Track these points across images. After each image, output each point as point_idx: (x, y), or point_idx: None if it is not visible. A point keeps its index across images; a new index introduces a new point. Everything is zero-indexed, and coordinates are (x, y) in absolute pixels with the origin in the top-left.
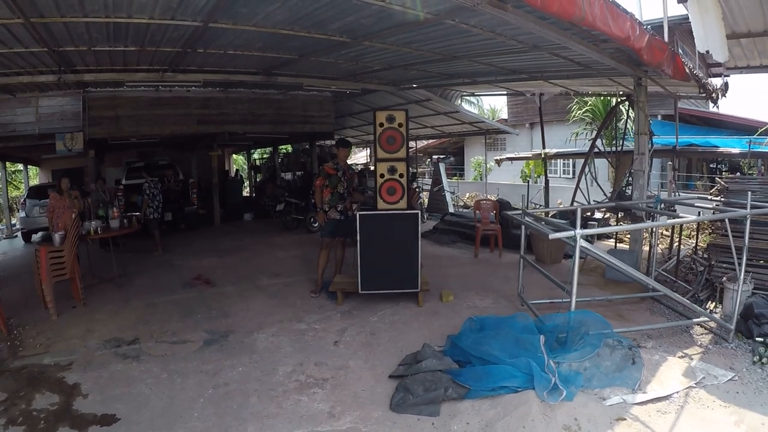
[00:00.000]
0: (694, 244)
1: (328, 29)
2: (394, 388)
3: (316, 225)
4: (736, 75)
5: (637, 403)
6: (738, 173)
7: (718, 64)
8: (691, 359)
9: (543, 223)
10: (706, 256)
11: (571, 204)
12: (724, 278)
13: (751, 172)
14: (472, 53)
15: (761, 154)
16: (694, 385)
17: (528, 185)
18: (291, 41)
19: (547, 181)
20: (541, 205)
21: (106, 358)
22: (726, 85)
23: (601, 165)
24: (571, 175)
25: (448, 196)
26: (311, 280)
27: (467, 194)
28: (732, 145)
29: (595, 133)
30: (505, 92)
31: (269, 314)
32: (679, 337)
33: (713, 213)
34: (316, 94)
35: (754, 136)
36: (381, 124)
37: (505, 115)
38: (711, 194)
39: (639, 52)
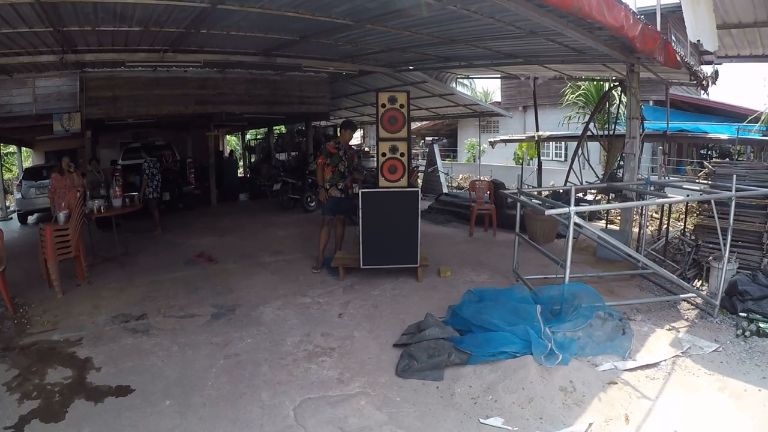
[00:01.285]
0: (682, 226)
1: (332, 12)
2: (399, 356)
3: (313, 204)
4: (728, 63)
5: (627, 369)
6: (727, 159)
7: (709, 52)
8: (678, 331)
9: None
10: (693, 237)
11: (565, 185)
12: (710, 257)
13: (740, 158)
14: (471, 37)
15: (748, 140)
16: (681, 355)
17: (522, 167)
18: (294, 23)
19: (539, 163)
20: (534, 186)
21: (115, 333)
22: (716, 73)
23: (593, 148)
24: (563, 158)
25: (443, 177)
26: (312, 257)
27: (460, 175)
28: (721, 132)
29: (588, 117)
30: (500, 75)
31: (273, 289)
32: (667, 311)
33: (700, 195)
34: (313, 75)
35: (743, 124)
36: (383, 105)
37: (497, 98)
38: (699, 177)
39: (632, 40)
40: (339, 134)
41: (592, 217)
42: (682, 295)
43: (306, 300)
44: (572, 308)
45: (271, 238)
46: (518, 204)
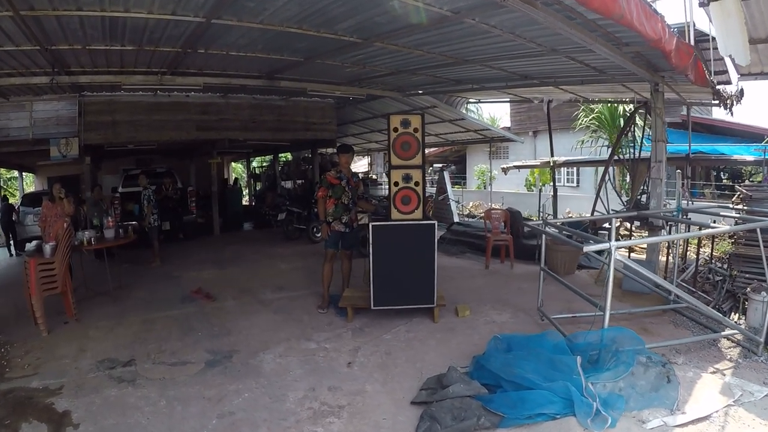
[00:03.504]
0: (708, 253)
1: (338, 28)
2: (419, 417)
3: (319, 235)
4: (752, 81)
5: (678, 426)
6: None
7: (723, 71)
8: (724, 375)
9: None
10: (722, 265)
11: (592, 214)
12: (749, 289)
13: (754, 179)
14: (486, 57)
15: None
16: (732, 403)
17: (539, 194)
18: (298, 41)
19: (555, 190)
20: (550, 215)
21: (99, 382)
22: (741, 92)
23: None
24: (575, 183)
25: (453, 205)
26: (317, 294)
27: (470, 203)
28: (739, 153)
29: (600, 140)
30: (511, 99)
31: (275, 332)
32: (707, 351)
33: (736, 223)
34: (318, 100)
35: (762, 144)
36: (395, 129)
37: (504, 124)
38: (733, 203)
39: (668, 54)
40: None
41: (583, 238)
42: (723, 333)
43: (311, 345)
44: (611, 355)
45: (274, 272)
46: (543, 236)
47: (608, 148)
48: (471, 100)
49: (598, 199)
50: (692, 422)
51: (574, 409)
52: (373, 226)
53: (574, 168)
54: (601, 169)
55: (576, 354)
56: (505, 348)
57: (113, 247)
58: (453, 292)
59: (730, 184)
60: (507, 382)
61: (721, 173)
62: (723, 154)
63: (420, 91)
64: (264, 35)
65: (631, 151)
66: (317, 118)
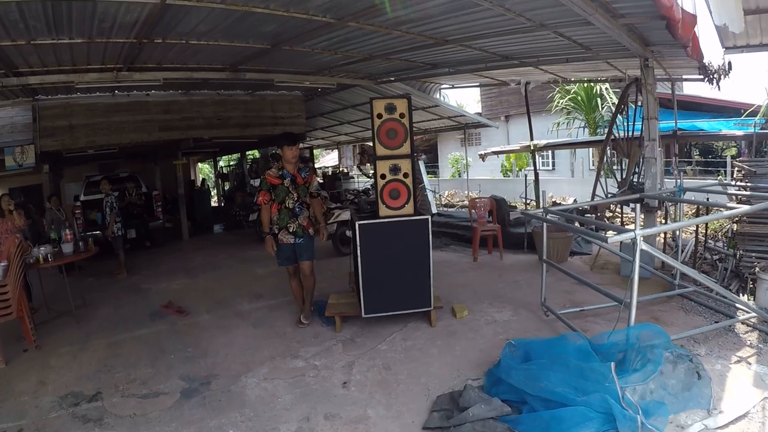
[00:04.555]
0: (702, 232)
1: (309, 6)
2: None
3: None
4: (736, 54)
5: (719, 428)
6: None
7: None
8: (749, 363)
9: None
10: (715, 243)
11: (592, 198)
12: (757, 268)
13: (726, 153)
14: (468, 35)
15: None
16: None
17: (536, 179)
18: (265, 24)
19: (536, 175)
20: (532, 200)
21: (62, 423)
22: (729, 65)
23: (582, 153)
24: (550, 167)
25: (430, 195)
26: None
27: (446, 192)
28: (718, 128)
29: (584, 121)
30: (485, 83)
31: (257, 349)
32: (724, 337)
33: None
34: (286, 93)
35: (740, 118)
36: (379, 115)
37: (473, 110)
38: (735, 179)
39: (676, 24)
40: (282, 153)
41: (598, 227)
42: (741, 317)
43: (298, 363)
44: (637, 354)
45: (249, 278)
46: (544, 225)
47: (584, 129)
48: (444, 85)
49: (598, 183)
50: (732, 422)
51: (617, 425)
52: (359, 225)
53: (549, 151)
54: (579, 152)
55: (601, 356)
56: (522, 355)
57: (76, 261)
58: (445, 289)
59: (703, 159)
60: (534, 398)
61: (692, 149)
62: (702, 129)
63: (392, 78)
64: (226, 18)
65: (617, 130)
66: (285, 112)
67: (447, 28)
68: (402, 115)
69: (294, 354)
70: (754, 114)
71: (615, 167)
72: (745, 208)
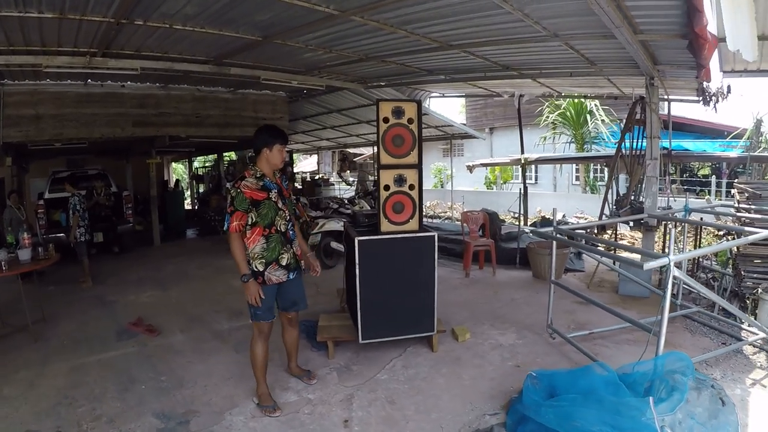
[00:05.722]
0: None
1: None
2: None
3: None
4: (735, 78)
5: None
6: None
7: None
8: (764, 386)
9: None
10: (732, 267)
11: (600, 217)
12: (760, 289)
13: (700, 173)
14: (475, 41)
15: (761, 158)
16: None
17: (524, 193)
18: (261, 11)
19: (525, 188)
20: (515, 213)
21: None
22: (728, 89)
23: (567, 169)
24: (533, 180)
25: None
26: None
27: (428, 203)
28: (703, 148)
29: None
30: (470, 93)
31: (241, 379)
32: (734, 360)
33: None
34: (269, 93)
35: (726, 140)
36: (386, 120)
37: (455, 121)
38: (740, 201)
39: (704, 43)
40: (265, 157)
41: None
42: (751, 339)
43: (291, 397)
44: (661, 382)
45: (226, 291)
46: (554, 243)
47: (570, 144)
48: (434, 93)
49: (606, 201)
50: None
51: None
52: (360, 241)
53: (533, 165)
54: (564, 167)
55: (628, 388)
56: (546, 388)
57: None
58: (440, 308)
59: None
60: None
61: (670, 168)
62: (687, 150)
63: (383, 83)
64: (219, 0)
65: (604, 147)
66: (267, 113)
67: (455, 32)
68: (410, 121)
69: (284, 386)
70: (738, 137)
71: (584, 184)
72: (764, 233)
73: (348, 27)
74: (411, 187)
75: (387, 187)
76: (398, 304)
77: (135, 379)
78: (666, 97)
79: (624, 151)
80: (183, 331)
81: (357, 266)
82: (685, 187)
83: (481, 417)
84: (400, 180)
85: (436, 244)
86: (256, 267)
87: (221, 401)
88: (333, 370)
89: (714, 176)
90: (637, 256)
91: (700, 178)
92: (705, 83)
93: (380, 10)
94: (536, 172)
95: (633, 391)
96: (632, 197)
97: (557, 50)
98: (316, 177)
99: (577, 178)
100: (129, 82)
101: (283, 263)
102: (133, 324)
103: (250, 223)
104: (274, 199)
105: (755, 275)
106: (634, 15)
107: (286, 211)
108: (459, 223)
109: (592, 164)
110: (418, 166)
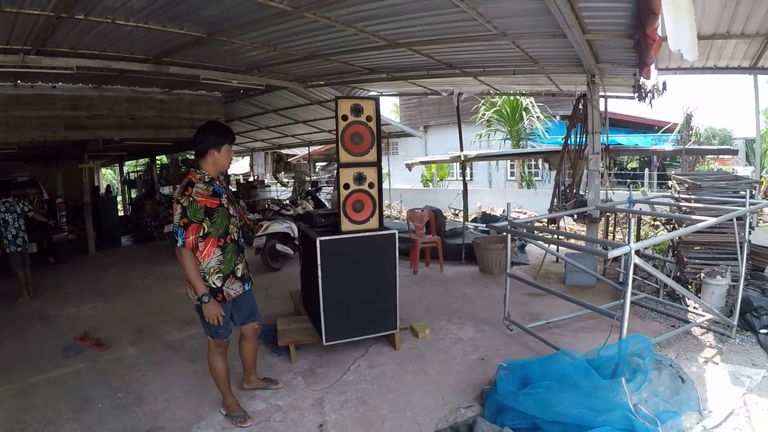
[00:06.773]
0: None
1: None
2: None
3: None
4: (670, 76)
5: (715, 427)
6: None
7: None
8: (716, 363)
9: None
10: (675, 253)
11: (550, 211)
12: (702, 274)
13: (628, 165)
14: (423, 39)
15: (698, 150)
16: (746, 392)
17: (465, 190)
18: (210, 6)
19: (465, 185)
20: (460, 210)
21: None
22: (664, 85)
23: (503, 165)
24: (469, 177)
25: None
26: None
27: None
28: (635, 143)
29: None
30: (406, 91)
31: (203, 390)
32: (685, 340)
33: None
34: (205, 93)
35: (658, 134)
36: (344, 117)
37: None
38: (678, 192)
39: (653, 43)
40: (209, 157)
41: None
42: (701, 319)
43: (259, 405)
44: (626, 365)
45: (172, 299)
46: (508, 237)
47: (505, 141)
48: (372, 92)
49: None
50: (725, 420)
51: None
52: (321, 241)
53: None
54: (501, 164)
55: (596, 370)
56: (519, 377)
57: None
58: None
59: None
60: (550, 423)
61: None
62: (620, 144)
63: (322, 83)
64: None
65: (540, 143)
66: (203, 114)
67: (405, 30)
68: (369, 118)
69: (250, 394)
70: (669, 131)
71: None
72: (711, 220)
73: (298, 24)
74: (371, 185)
75: (347, 186)
76: (361, 303)
77: (89, 397)
78: (604, 93)
79: (570, 146)
80: (133, 344)
81: (319, 267)
82: (618, 180)
83: (456, 410)
84: (359, 178)
85: (397, 242)
86: (213, 283)
87: (186, 415)
88: (298, 375)
89: (647, 169)
90: (598, 246)
91: (629, 171)
92: (642, 80)
93: (335, 6)
94: (472, 168)
95: (600, 374)
96: (575, 190)
97: (503, 49)
98: (251, 179)
99: (512, 174)
100: (60, 83)
101: (239, 274)
102: (80, 339)
103: (201, 234)
104: (225, 205)
105: (697, 261)
106: (585, 15)
107: (237, 218)
108: (402, 221)
109: (526, 160)
110: (378, 164)
